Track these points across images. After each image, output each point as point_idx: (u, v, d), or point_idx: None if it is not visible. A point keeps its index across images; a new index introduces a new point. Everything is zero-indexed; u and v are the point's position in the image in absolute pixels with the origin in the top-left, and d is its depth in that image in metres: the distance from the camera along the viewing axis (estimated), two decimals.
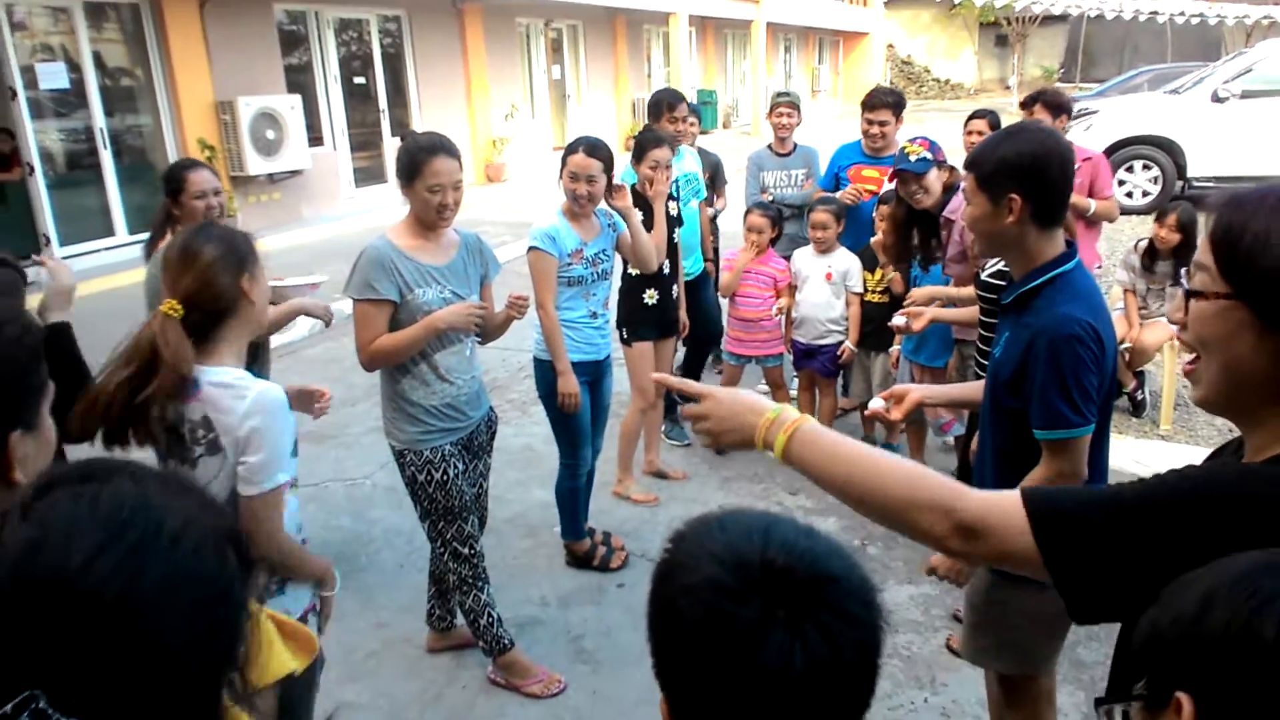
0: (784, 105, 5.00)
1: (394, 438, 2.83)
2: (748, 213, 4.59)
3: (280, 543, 1.90)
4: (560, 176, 3.39)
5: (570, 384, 3.36)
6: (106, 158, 9.12)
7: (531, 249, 3.35)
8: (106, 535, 0.68)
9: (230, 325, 1.87)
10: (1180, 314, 1.11)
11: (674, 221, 4.18)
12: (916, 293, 3.60)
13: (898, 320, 3.19)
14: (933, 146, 3.64)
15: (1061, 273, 1.90)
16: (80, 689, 0.65)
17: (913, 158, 3.59)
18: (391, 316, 2.66)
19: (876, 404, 2.15)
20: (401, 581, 3.64)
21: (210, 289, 1.82)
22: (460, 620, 3.14)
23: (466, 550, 2.89)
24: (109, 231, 9.18)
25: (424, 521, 2.89)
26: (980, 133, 4.37)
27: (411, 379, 2.76)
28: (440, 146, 2.65)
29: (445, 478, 2.80)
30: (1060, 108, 4.43)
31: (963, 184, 2.04)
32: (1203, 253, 1.08)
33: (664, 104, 4.60)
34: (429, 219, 2.68)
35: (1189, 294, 1.10)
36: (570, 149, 3.35)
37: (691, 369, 5.01)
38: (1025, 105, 4.62)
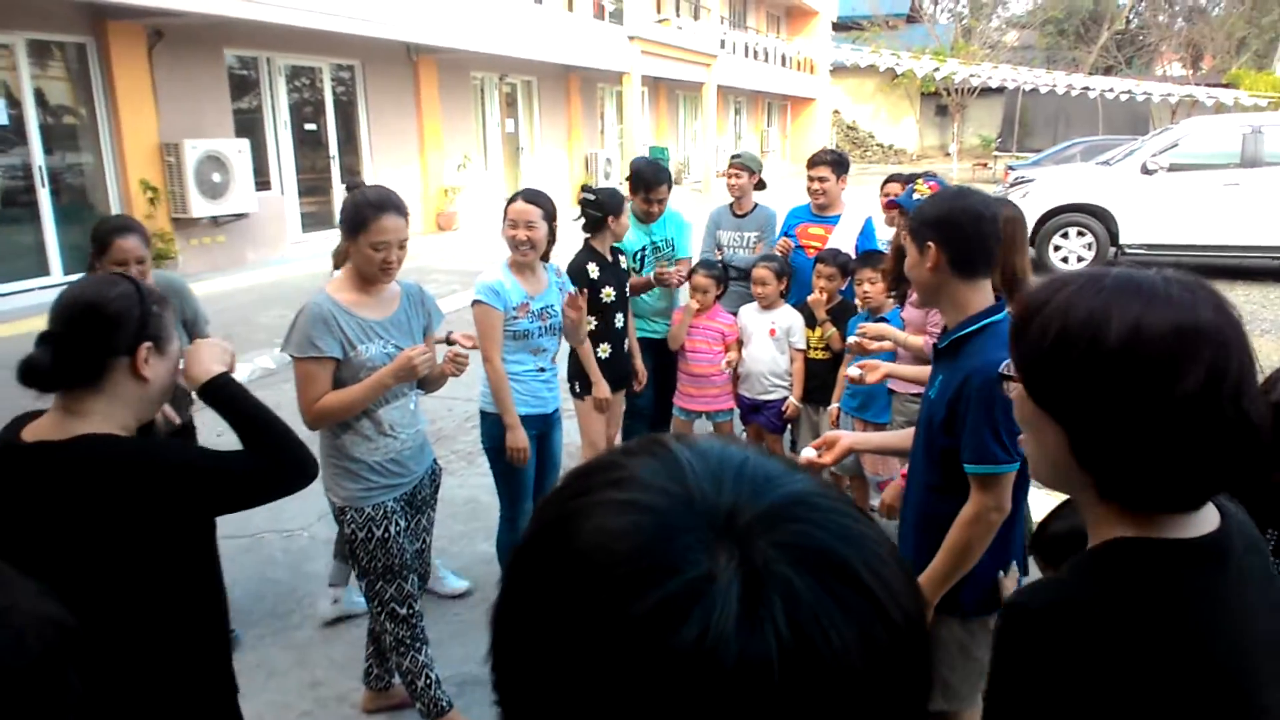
0: (733, 166, 5.04)
1: (334, 494, 2.74)
2: (692, 272, 4.58)
3: None
4: (503, 228, 3.38)
5: (519, 439, 3.30)
6: (44, 196, 8.89)
7: (476, 303, 3.31)
8: None
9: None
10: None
11: (624, 275, 4.19)
12: (868, 327, 3.62)
13: (852, 371, 3.21)
14: (943, 187, 3.70)
15: (992, 322, 2.06)
16: None
17: (915, 196, 3.68)
18: (333, 374, 2.60)
19: (808, 453, 2.23)
20: (337, 638, 3.51)
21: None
22: (399, 679, 3.03)
23: (405, 610, 2.79)
24: (43, 270, 8.91)
25: (361, 580, 2.79)
26: (891, 194, 4.44)
27: (353, 434, 2.68)
28: (389, 203, 2.61)
29: (386, 535, 2.72)
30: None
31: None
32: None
33: (644, 183, 4.37)
34: (370, 274, 2.64)
35: (1001, 376, 1.07)
36: (511, 199, 3.36)
37: (657, 424, 4.96)
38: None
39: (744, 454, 0.52)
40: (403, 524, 2.79)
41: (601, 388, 3.91)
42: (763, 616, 0.44)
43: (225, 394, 1.80)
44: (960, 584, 2.07)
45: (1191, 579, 0.91)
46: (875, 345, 3.38)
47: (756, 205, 5.06)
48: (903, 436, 2.38)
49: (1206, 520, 0.96)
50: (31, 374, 1.57)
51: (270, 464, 1.78)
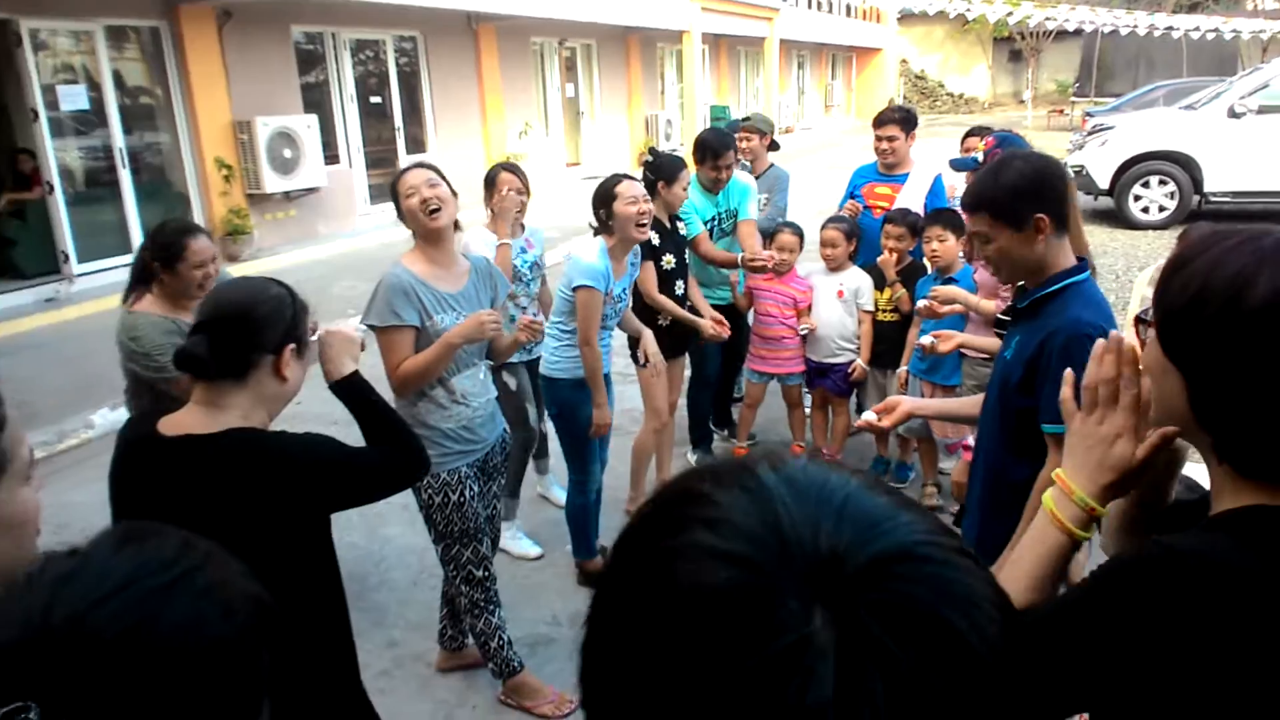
0: (745, 129, 4.99)
1: None
2: (776, 232, 4.55)
3: None
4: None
5: (606, 415, 3.46)
6: (125, 176, 9.23)
7: (583, 287, 3.37)
8: (127, 579, 0.71)
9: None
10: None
11: (684, 242, 4.18)
12: (939, 290, 3.54)
13: (925, 340, 3.15)
14: (1002, 141, 3.62)
15: (1075, 282, 1.99)
16: (74, 714, 0.66)
17: (971, 155, 3.65)
18: (413, 343, 2.67)
19: (868, 416, 2.20)
20: (413, 599, 3.64)
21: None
22: (472, 640, 3.13)
23: (481, 573, 2.88)
24: (126, 249, 9.24)
25: (438, 544, 2.88)
26: (972, 149, 4.36)
27: (428, 402, 2.76)
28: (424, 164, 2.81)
29: (461, 500, 2.81)
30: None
31: (969, 224, 2.08)
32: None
33: (710, 151, 4.34)
34: (423, 233, 2.73)
35: (1138, 319, 1.07)
36: (617, 180, 3.48)
37: (723, 391, 4.98)
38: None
39: (844, 488, 0.49)
40: (476, 489, 2.87)
41: (650, 343, 3.74)
42: (860, 693, 0.41)
43: (357, 391, 1.90)
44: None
45: None
46: (946, 309, 3.30)
47: (771, 165, 5.09)
48: (967, 403, 2.32)
49: None
50: (188, 361, 1.66)
51: (394, 458, 1.89)
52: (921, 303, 3.29)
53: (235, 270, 9.49)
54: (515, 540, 3.97)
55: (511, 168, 3.89)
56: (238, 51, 9.95)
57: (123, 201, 9.24)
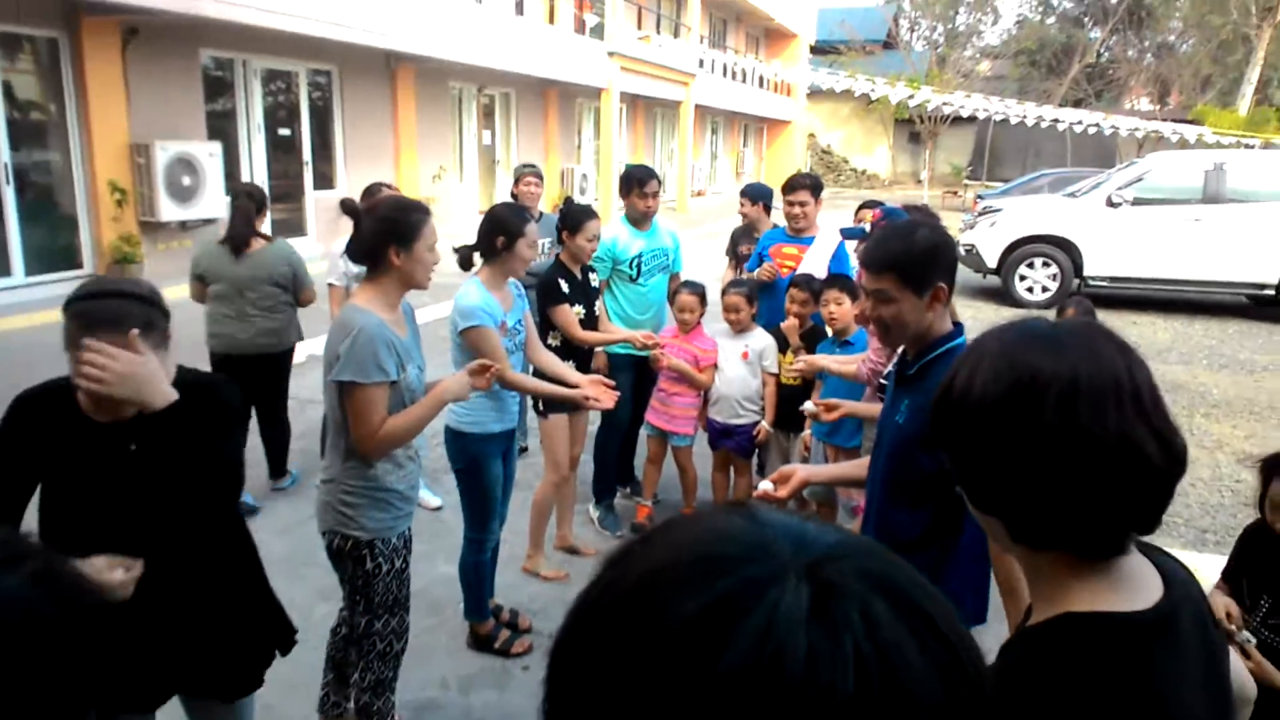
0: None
1: (357, 529, 2.56)
2: (677, 291, 4.61)
3: None
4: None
5: (590, 388, 3.32)
6: (8, 194, 8.71)
7: (469, 328, 3.20)
8: None
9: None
10: None
11: (594, 292, 4.18)
12: (806, 360, 3.73)
13: (808, 407, 3.19)
14: (888, 214, 3.84)
15: (957, 345, 2.07)
16: None
17: (860, 224, 3.83)
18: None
19: (765, 485, 2.18)
20: (290, 658, 3.42)
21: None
22: (351, 704, 2.96)
23: (399, 646, 2.75)
24: (4, 271, 8.72)
25: (364, 617, 2.67)
26: (863, 220, 4.70)
27: (387, 462, 2.57)
28: (421, 206, 2.64)
29: (403, 565, 2.68)
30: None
31: (862, 281, 2.13)
32: None
33: (634, 179, 4.55)
34: (422, 279, 2.58)
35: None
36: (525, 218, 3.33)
37: (630, 440, 4.94)
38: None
39: (799, 516, 0.53)
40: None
41: (571, 378, 3.53)
42: (839, 625, 0.41)
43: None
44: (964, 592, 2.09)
45: (1143, 662, 0.90)
46: (831, 418, 3.25)
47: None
48: (857, 465, 2.36)
49: (1148, 585, 0.96)
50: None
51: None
52: (809, 408, 3.24)
53: None
54: (423, 491, 4.17)
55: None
56: (141, 70, 9.58)
57: (3, 221, 8.69)
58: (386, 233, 2.51)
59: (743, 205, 5.49)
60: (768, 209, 5.41)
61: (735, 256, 5.52)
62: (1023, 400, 0.93)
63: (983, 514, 1.01)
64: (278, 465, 4.96)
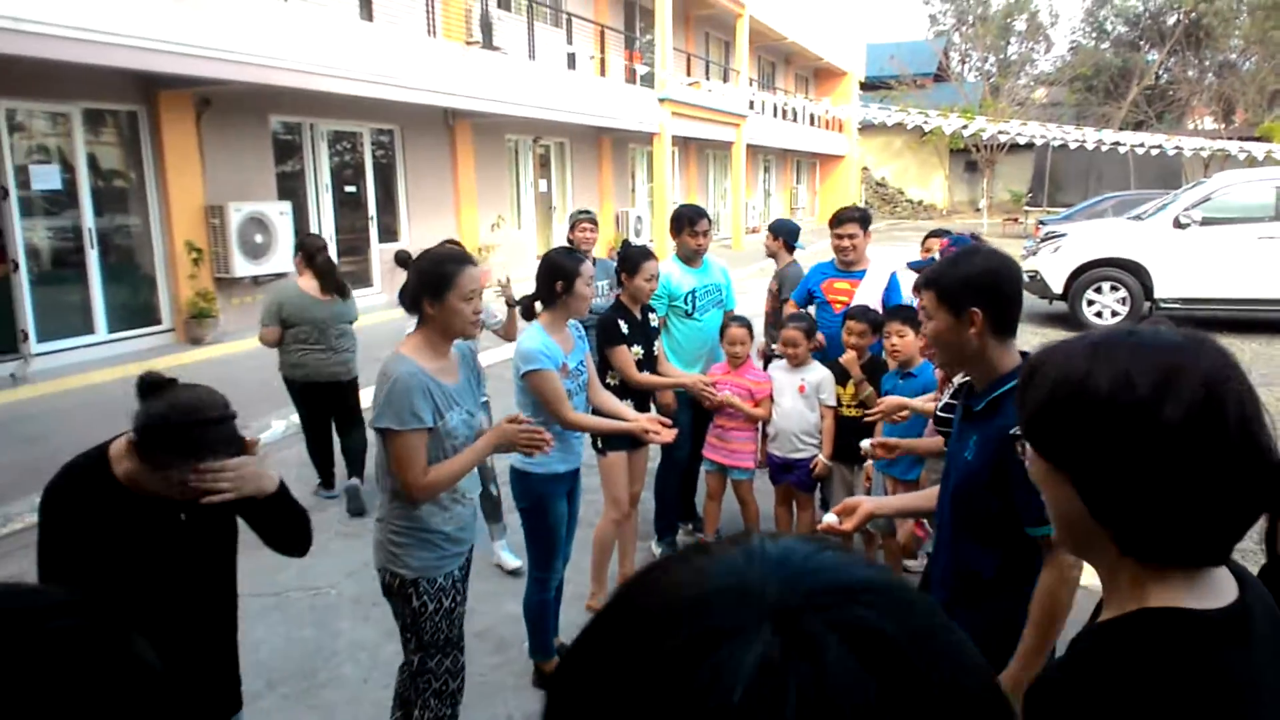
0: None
1: (403, 566, 2.65)
2: (725, 326, 4.66)
3: None
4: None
5: (641, 422, 3.43)
6: (92, 256, 9.18)
7: (531, 372, 3.27)
8: None
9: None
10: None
11: (654, 332, 4.23)
12: (885, 402, 3.62)
13: (865, 445, 3.17)
14: (956, 242, 3.78)
15: None
16: None
17: (928, 256, 3.80)
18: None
19: (829, 519, 2.17)
20: (364, 698, 3.50)
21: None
22: None
23: (455, 684, 2.77)
24: (89, 329, 9.17)
25: (415, 655, 2.73)
26: (931, 250, 4.62)
27: (433, 504, 2.63)
28: (463, 256, 2.71)
29: (454, 605, 2.72)
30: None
31: (919, 302, 2.13)
32: None
33: (685, 219, 4.69)
34: (462, 328, 2.62)
35: (1014, 438, 1.11)
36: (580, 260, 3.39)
37: (690, 478, 4.95)
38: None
39: (816, 547, 0.49)
40: (464, 592, 2.79)
41: (629, 415, 3.62)
42: (786, 683, 0.40)
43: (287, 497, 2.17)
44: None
45: (1215, 657, 0.89)
46: (886, 455, 3.21)
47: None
48: (925, 497, 2.33)
49: (1224, 588, 0.95)
50: None
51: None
52: (865, 445, 3.19)
53: (200, 352, 9.41)
54: (502, 552, 4.53)
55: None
56: (215, 138, 10.07)
57: (88, 282, 9.17)
58: (420, 285, 2.61)
59: (767, 239, 5.78)
60: (789, 246, 5.63)
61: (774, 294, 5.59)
62: (1203, 407, 0.89)
63: (1096, 525, 0.97)
64: (356, 467, 5.59)
